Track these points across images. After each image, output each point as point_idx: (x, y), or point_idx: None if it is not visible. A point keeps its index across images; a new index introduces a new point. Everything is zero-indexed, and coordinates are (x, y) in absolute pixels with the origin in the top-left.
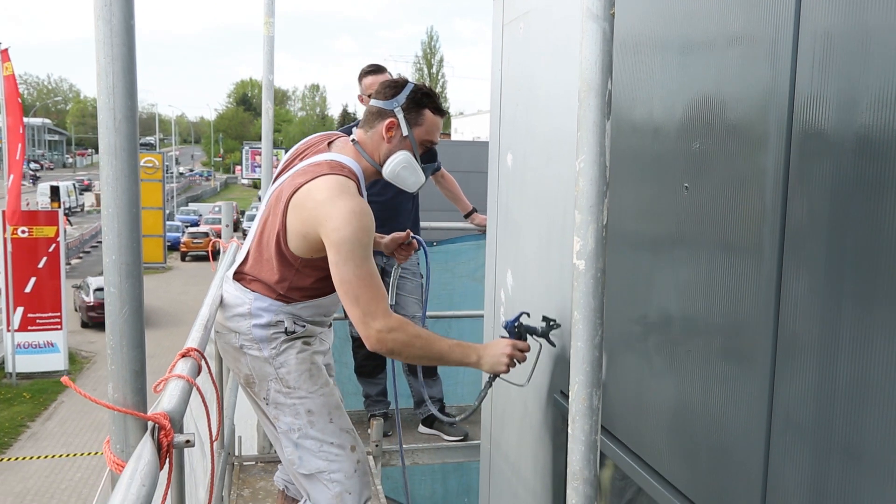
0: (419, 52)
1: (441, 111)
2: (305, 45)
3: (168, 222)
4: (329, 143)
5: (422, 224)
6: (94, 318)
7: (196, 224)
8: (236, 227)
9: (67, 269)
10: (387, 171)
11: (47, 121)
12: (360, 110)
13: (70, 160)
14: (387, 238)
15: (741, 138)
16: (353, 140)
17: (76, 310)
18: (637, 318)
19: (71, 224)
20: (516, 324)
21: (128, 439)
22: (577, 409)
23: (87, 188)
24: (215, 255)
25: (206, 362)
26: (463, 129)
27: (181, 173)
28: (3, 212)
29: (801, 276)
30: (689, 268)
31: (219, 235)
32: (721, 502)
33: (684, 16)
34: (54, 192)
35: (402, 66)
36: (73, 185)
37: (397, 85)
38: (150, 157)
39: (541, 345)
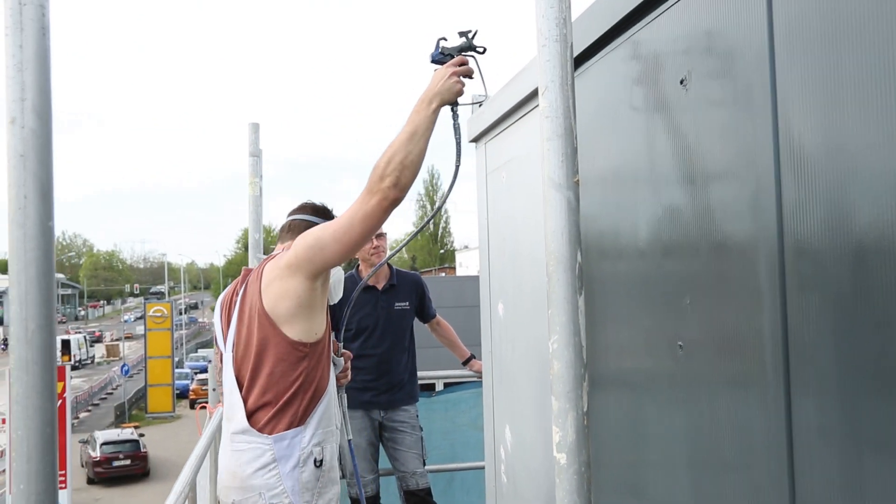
0: (421, 191)
1: None
2: (308, 188)
3: (177, 370)
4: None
5: (420, 373)
6: (100, 474)
7: (205, 370)
8: None
9: (75, 423)
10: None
11: (60, 276)
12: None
13: (82, 313)
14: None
15: (734, 290)
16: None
17: (82, 465)
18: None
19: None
20: (440, 51)
21: None
22: None
23: (98, 339)
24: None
25: None
26: (468, 264)
27: (192, 319)
28: (9, 370)
29: (811, 423)
30: (689, 413)
31: None
32: None
33: (661, 158)
34: (65, 345)
35: (405, 204)
36: (84, 337)
37: (325, 208)
38: (160, 306)
39: (475, 58)
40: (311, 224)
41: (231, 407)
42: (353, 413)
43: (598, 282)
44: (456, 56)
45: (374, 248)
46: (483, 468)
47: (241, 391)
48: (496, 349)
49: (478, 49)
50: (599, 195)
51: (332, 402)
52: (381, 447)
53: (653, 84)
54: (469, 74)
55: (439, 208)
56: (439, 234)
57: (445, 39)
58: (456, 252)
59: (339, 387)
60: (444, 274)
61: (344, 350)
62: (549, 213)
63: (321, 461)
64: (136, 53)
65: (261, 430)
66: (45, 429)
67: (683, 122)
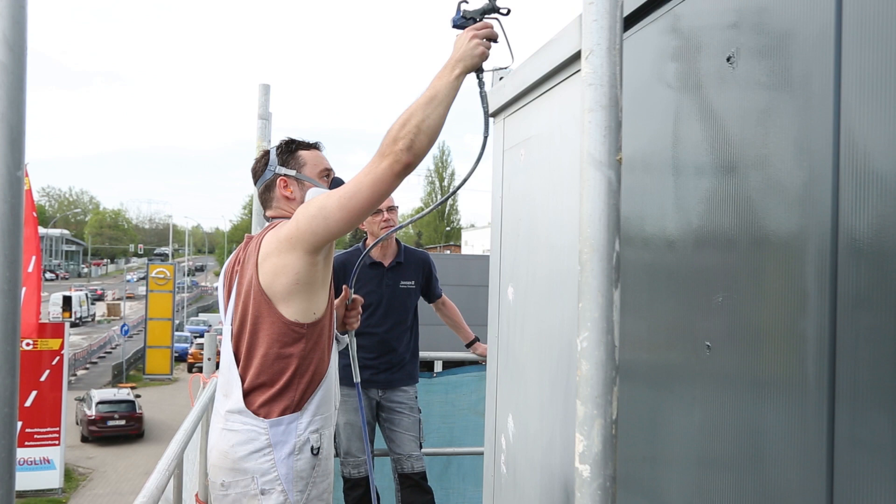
0: (431, 167)
1: (311, 144)
2: None
3: (177, 333)
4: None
5: (421, 353)
6: (94, 433)
7: (206, 333)
8: None
9: (72, 380)
10: None
11: (66, 231)
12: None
13: (85, 270)
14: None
15: (776, 288)
16: (270, 219)
17: (77, 423)
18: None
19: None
20: (461, 15)
21: None
22: None
23: (100, 297)
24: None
25: None
26: (473, 242)
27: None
28: None
29: (857, 437)
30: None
31: None
32: None
33: (700, 140)
34: (66, 301)
35: (414, 179)
36: (86, 294)
37: (261, 157)
38: (163, 268)
39: (499, 21)
40: (266, 184)
41: (228, 383)
42: (349, 391)
43: None
44: (478, 19)
45: (385, 220)
46: (481, 454)
47: (238, 368)
48: (503, 334)
49: (501, 10)
50: (626, 179)
51: (332, 385)
52: (377, 427)
53: (693, 60)
54: (493, 38)
55: (467, 178)
56: (446, 212)
57: (466, 2)
58: (462, 230)
59: (348, 331)
60: (449, 252)
61: (355, 295)
62: (585, 194)
63: (318, 449)
64: (151, 11)
65: (256, 413)
66: (3, 408)
67: (728, 102)
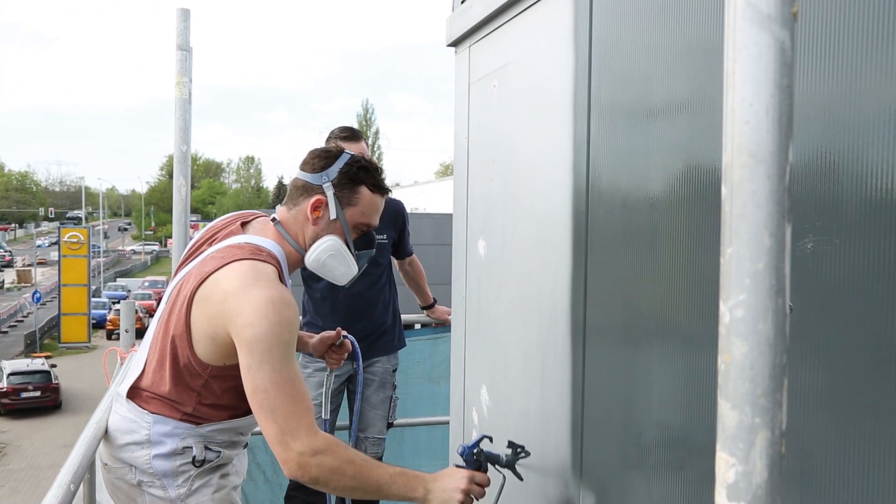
0: (354, 125)
1: (382, 188)
2: (239, 117)
3: (94, 299)
4: (244, 224)
5: None
6: (7, 406)
7: (125, 299)
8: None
9: None
10: (310, 258)
11: None
12: None
13: None
14: (315, 338)
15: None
16: (273, 219)
17: None
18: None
19: None
20: (475, 450)
21: None
22: None
23: (9, 264)
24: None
25: None
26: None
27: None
28: None
29: None
30: None
31: (149, 313)
32: None
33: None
34: None
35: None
36: None
37: (329, 156)
38: (75, 231)
39: (504, 477)
40: (306, 185)
41: (136, 363)
42: (316, 362)
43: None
44: (485, 467)
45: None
46: (437, 423)
47: (146, 360)
48: (472, 294)
49: (518, 474)
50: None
51: (239, 430)
52: (343, 401)
53: None
54: (479, 497)
55: None
56: None
57: (490, 441)
58: None
59: (329, 368)
60: None
61: (347, 337)
62: (740, 69)
63: (201, 461)
64: None
65: (142, 406)
66: None
67: None
